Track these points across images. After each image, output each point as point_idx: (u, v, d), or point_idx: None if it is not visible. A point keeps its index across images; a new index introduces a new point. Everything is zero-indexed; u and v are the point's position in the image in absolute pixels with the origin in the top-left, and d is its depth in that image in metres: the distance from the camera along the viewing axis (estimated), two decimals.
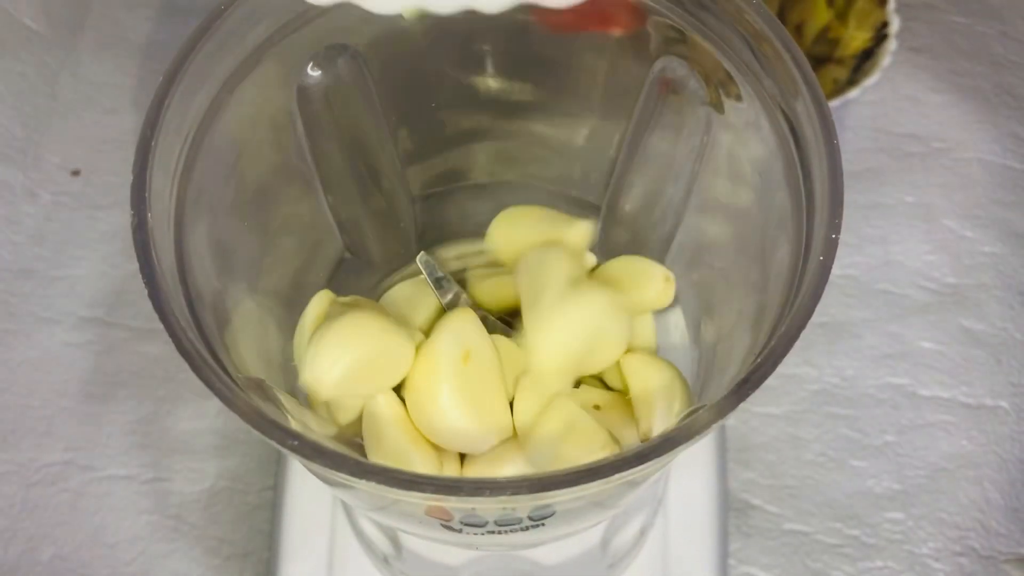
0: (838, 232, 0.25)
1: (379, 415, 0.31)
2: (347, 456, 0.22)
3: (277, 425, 0.23)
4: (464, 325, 0.32)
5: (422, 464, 0.31)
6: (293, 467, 0.47)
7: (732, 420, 0.55)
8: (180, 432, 0.57)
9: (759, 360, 0.24)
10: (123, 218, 0.63)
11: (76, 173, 0.65)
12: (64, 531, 0.54)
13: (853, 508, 0.54)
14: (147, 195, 0.25)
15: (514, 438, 0.32)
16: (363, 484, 0.22)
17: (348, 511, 0.44)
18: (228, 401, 0.23)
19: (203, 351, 0.24)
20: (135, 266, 0.60)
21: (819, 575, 0.52)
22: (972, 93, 0.66)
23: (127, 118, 0.66)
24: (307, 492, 0.46)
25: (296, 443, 0.23)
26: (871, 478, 0.55)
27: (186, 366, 0.57)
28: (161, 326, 0.58)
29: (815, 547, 0.53)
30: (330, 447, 0.22)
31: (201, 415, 0.57)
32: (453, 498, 0.22)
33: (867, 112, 0.65)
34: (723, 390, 0.24)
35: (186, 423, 0.57)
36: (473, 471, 0.32)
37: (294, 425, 0.26)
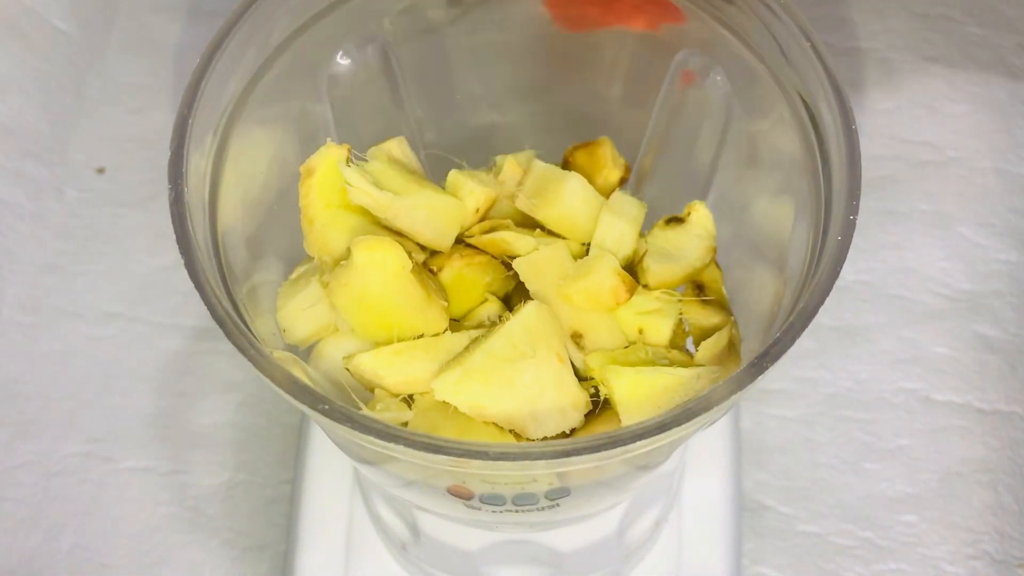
0: (856, 213, 0.26)
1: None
2: (376, 421, 0.23)
3: (308, 390, 0.24)
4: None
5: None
6: (312, 456, 0.48)
7: (747, 422, 0.56)
8: (199, 426, 0.57)
9: (778, 335, 0.24)
10: (146, 216, 0.64)
11: (101, 171, 0.66)
12: (84, 521, 0.55)
13: (866, 510, 0.54)
14: (184, 169, 0.26)
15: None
16: (391, 448, 0.22)
17: (366, 498, 0.45)
18: (261, 366, 0.24)
19: (236, 319, 0.25)
20: (158, 262, 0.62)
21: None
22: (988, 103, 0.67)
23: (152, 117, 0.67)
24: (326, 481, 0.47)
25: (327, 407, 0.23)
26: (884, 481, 0.55)
27: (205, 362, 0.59)
28: (181, 322, 0.59)
29: (828, 548, 0.53)
30: (358, 413, 0.23)
31: (220, 409, 0.58)
32: (477, 462, 0.22)
33: (883, 120, 0.66)
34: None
35: (205, 417, 0.58)
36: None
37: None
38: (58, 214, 0.64)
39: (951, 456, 0.55)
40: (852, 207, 0.26)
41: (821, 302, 0.25)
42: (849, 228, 0.26)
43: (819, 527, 0.54)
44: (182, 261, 0.61)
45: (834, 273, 0.25)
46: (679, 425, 0.23)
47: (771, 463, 0.56)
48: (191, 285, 0.60)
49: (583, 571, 0.41)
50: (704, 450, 0.48)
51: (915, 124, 0.66)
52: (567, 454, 0.22)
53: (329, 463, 0.48)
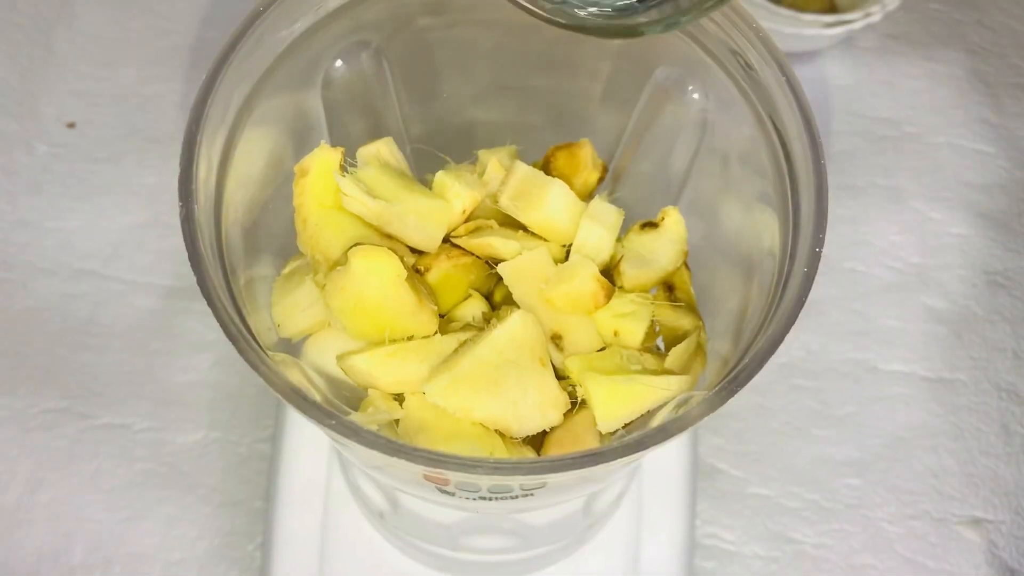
0: (822, 246, 0.27)
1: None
2: (380, 436, 0.25)
3: (316, 406, 0.25)
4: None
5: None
6: (290, 423, 0.50)
7: None
8: (174, 384, 0.58)
9: (747, 358, 0.26)
10: (118, 172, 0.64)
11: (71, 126, 0.65)
12: (61, 476, 0.56)
13: (814, 474, 0.57)
14: (194, 187, 0.27)
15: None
16: (393, 462, 0.24)
17: (345, 468, 0.47)
18: (271, 382, 0.25)
19: (248, 336, 0.26)
20: (130, 219, 0.63)
21: (779, 536, 0.56)
22: (946, 79, 0.69)
23: (122, 71, 0.67)
24: (304, 448, 0.48)
25: (333, 423, 0.25)
26: (832, 446, 0.58)
27: (179, 321, 0.59)
28: (155, 280, 0.60)
29: (776, 510, 0.56)
30: (364, 429, 0.25)
31: (195, 368, 0.59)
32: (473, 475, 0.24)
33: (843, 96, 0.68)
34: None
35: (180, 375, 0.59)
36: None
37: (318, 397, 0.28)
38: (29, 169, 0.64)
39: (896, 422, 0.58)
40: (818, 240, 0.28)
41: (787, 330, 0.27)
42: (815, 260, 0.28)
43: (769, 490, 0.57)
44: (154, 220, 0.60)
45: (800, 302, 0.27)
46: (656, 444, 0.25)
47: (725, 428, 0.58)
48: (162, 244, 0.61)
49: (550, 541, 0.44)
50: None
51: (874, 100, 0.68)
52: (556, 469, 0.24)
53: (307, 428, 0.49)
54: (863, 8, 0.62)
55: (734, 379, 0.26)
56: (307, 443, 0.49)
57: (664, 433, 0.26)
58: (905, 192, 0.65)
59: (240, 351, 0.25)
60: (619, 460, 0.25)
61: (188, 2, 0.69)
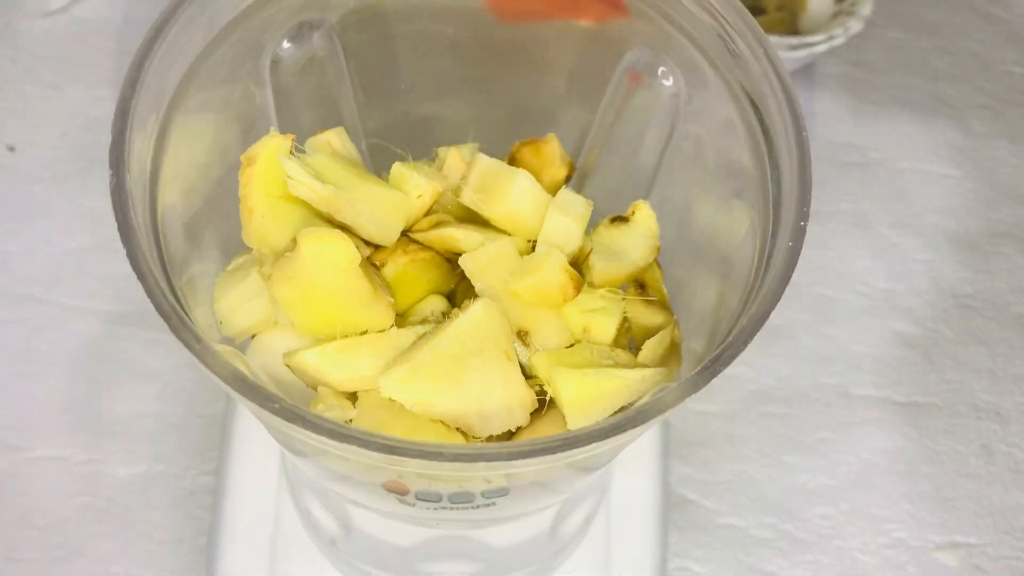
0: (806, 220, 0.26)
1: None
2: (328, 420, 0.22)
3: (257, 388, 0.23)
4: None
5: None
6: (237, 448, 0.47)
7: (671, 418, 0.56)
8: (115, 414, 0.56)
9: (730, 339, 0.25)
10: (60, 195, 0.61)
11: (12, 149, 0.63)
12: None
13: (786, 503, 0.55)
14: (126, 155, 0.25)
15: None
16: (342, 449, 0.22)
17: (294, 493, 0.44)
18: (207, 361, 0.23)
19: (181, 312, 0.24)
20: (72, 244, 0.60)
21: (752, 568, 0.54)
22: (909, 105, 0.69)
23: (66, 93, 0.65)
24: (251, 475, 0.46)
25: (276, 406, 0.23)
26: (804, 474, 0.56)
27: (122, 348, 0.57)
28: (97, 306, 0.57)
29: (748, 541, 0.54)
30: (310, 413, 0.23)
31: (138, 398, 0.56)
32: (432, 463, 0.22)
33: (808, 122, 0.67)
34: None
35: (121, 405, 0.56)
36: None
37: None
38: None
39: (869, 447, 0.57)
40: (803, 213, 0.26)
41: (772, 307, 0.25)
42: (800, 234, 0.26)
43: (740, 520, 0.55)
44: (98, 243, 0.58)
45: (785, 278, 0.26)
46: (635, 427, 0.23)
47: (694, 457, 0.56)
48: (106, 268, 0.58)
49: (515, 566, 0.41)
50: (634, 445, 0.48)
51: (839, 126, 0.68)
52: (524, 455, 0.22)
53: (254, 456, 0.47)
54: (827, 31, 0.61)
55: (717, 358, 0.24)
56: (253, 472, 0.47)
57: (643, 415, 0.23)
58: (871, 217, 0.64)
59: (173, 329, 0.23)
60: (594, 445, 0.23)
61: (138, 23, 0.68)
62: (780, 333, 0.60)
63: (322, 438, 0.22)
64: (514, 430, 0.29)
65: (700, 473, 0.56)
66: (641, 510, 0.48)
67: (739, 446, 0.57)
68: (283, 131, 0.33)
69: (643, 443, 0.49)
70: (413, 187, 0.32)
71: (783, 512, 0.55)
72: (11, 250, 0.60)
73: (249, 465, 0.47)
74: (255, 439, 0.47)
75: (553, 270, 0.31)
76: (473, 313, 0.29)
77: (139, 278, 0.23)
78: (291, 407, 0.23)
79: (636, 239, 0.33)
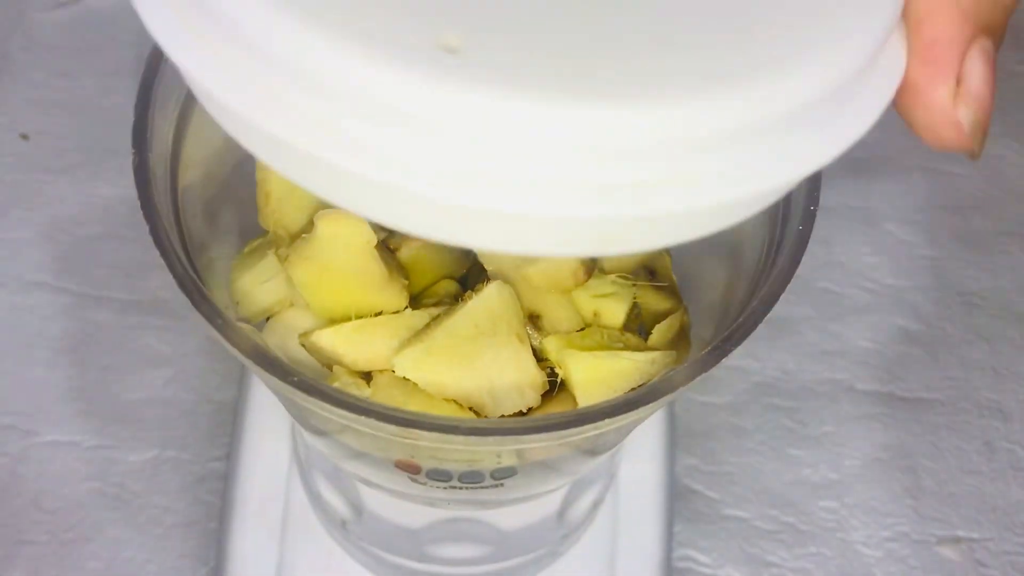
0: (816, 204, 0.26)
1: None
2: (346, 394, 0.23)
3: (278, 362, 0.24)
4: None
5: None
6: (248, 433, 0.48)
7: (676, 408, 0.57)
8: (126, 401, 0.56)
9: (741, 319, 0.25)
10: (73, 184, 0.62)
11: (25, 137, 0.64)
12: (2, 496, 0.53)
13: (790, 496, 0.56)
14: (149, 135, 0.25)
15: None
16: (360, 422, 0.22)
17: (305, 476, 0.45)
18: (228, 336, 0.24)
19: (202, 288, 0.24)
20: (85, 232, 0.60)
21: (755, 560, 0.54)
22: None
23: (79, 82, 0.65)
24: (262, 459, 0.46)
25: (296, 380, 0.23)
26: (808, 467, 0.56)
27: (133, 336, 0.57)
28: (109, 294, 0.58)
29: (752, 533, 0.55)
30: (330, 387, 0.23)
31: (148, 384, 0.56)
32: (448, 436, 0.22)
33: None
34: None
35: (132, 392, 0.56)
36: None
37: None
38: None
39: (873, 442, 0.57)
40: (813, 197, 0.27)
41: (783, 288, 0.25)
42: (810, 218, 0.26)
43: (744, 511, 0.55)
44: (109, 232, 0.59)
45: (795, 261, 0.26)
46: (645, 405, 0.24)
47: (699, 448, 0.57)
48: (117, 257, 0.58)
49: (523, 550, 0.42)
50: (640, 433, 0.49)
51: None
52: (537, 430, 0.23)
53: (265, 442, 0.47)
54: None
55: (728, 338, 0.25)
56: (264, 457, 0.47)
57: (654, 393, 0.24)
58: (878, 214, 0.65)
59: (195, 304, 0.24)
60: (605, 422, 0.23)
61: None
62: (785, 327, 0.60)
63: (341, 411, 0.23)
64: (525, 411, 0.30)
65: (705, 464, 0.56)
66: (647, 498, 0.48)
67: (744, 438, 0.57)
68: None
69: (649, 432, 0.49)
70: None
71: (787, 504, 0.55)
72: (23, 237, 0.60)
73: (260, 450, 0.47)
74: (266, 425, 0.47)
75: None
76: (487, 295, 0.29)
77: (161, 254, 0.24)
78: (311, 380, 0.23)
79: None
